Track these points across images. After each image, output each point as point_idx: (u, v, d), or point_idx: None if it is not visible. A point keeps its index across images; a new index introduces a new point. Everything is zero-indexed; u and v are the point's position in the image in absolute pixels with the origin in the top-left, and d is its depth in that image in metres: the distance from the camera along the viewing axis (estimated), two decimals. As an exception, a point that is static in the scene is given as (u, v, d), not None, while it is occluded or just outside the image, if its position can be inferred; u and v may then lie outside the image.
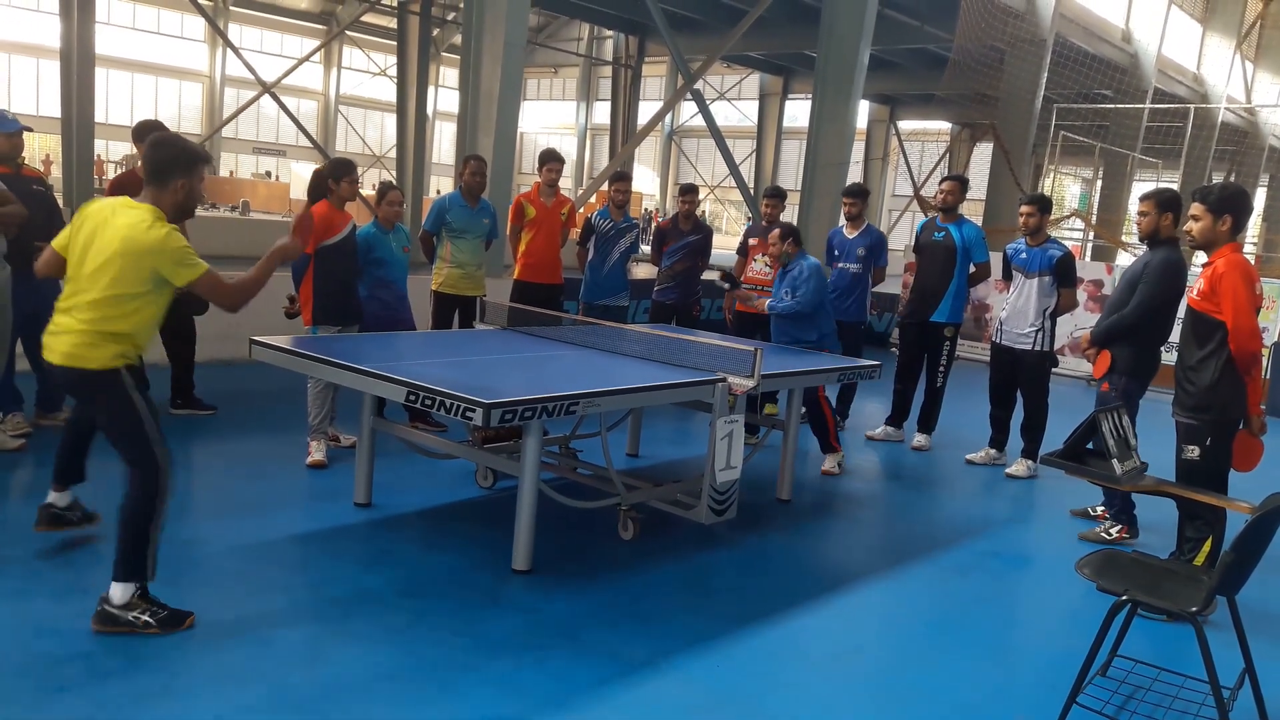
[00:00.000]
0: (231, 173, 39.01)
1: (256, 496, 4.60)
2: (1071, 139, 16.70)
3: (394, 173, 25.35)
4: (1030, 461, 6.28)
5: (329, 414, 5.22)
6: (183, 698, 2.79)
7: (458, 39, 29.09)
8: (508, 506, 4.17)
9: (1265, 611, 4.15)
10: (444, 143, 39.51)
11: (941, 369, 6.71)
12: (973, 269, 6.63)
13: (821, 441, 5.97)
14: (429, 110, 24.63)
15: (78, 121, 13.42)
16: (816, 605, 3.90)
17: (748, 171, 30.46)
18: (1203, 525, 4.13)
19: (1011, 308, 6.24)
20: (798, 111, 30.51)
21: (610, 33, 30.28)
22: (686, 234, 7.17)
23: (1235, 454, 4.16)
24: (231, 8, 35.79)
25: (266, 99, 17.92)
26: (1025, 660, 3.64)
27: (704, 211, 40.12)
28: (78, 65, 13.25)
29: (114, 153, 33.35)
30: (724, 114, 34.47)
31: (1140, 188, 17.76)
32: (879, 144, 34.86)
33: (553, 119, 46.72)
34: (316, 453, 5.15)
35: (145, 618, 3.10)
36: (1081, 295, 9.87)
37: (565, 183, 33.36)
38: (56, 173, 19.74)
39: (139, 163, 5.69)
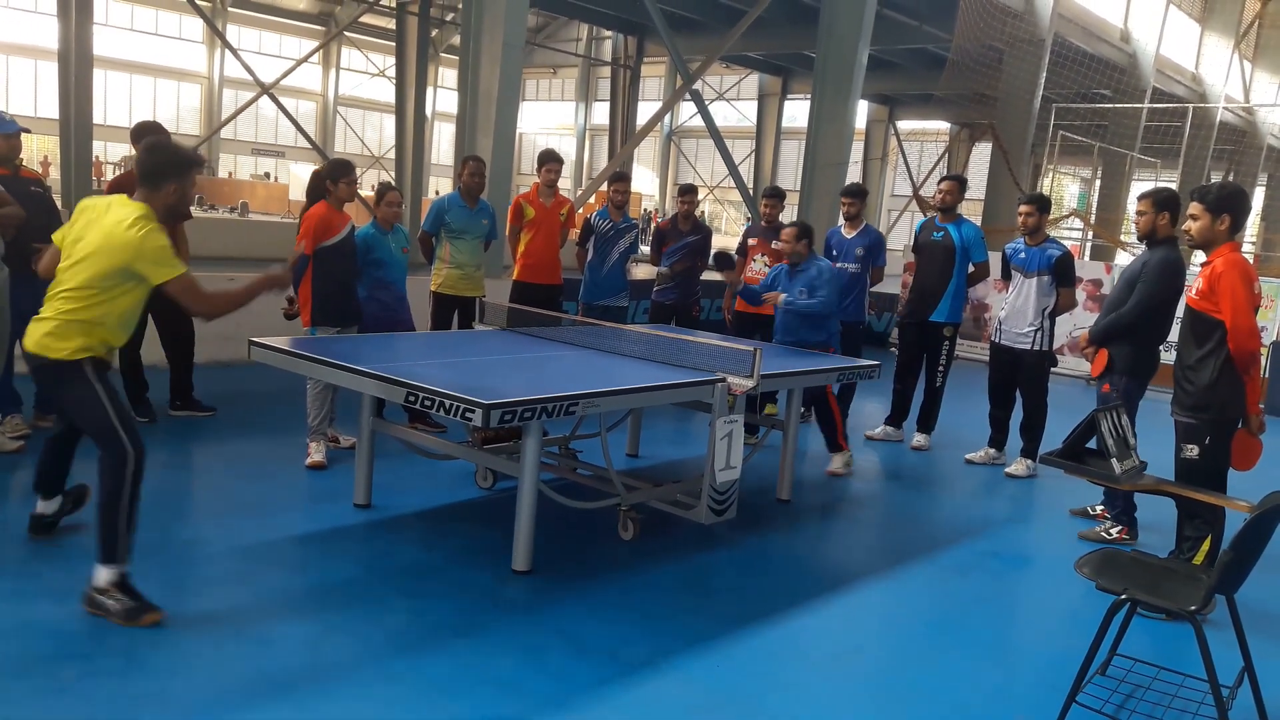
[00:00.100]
0: (230, 174, 39.02)
1: (256, 497, 4.60)
2: (1070, 138, 16.71)
3: (393, 173, 25.34)
4: (1029, 461, 6.28)
5: (328, 415, 5.22)
6: (182, 698, 2.79)
7: (456, 40, 29.09)
8: (507, 507, 4.17)
9: (1264, 610, 4.15)
10: (443, 143, 39.51)
11: (941, 369, 6.71)
12: (972, 269, 6.63)
13: (829, 440, 5.95)
14: (428, 111, 24.63)
15: (76, 123, 13.42)
16: (816, 605, 3.91)
17: (747, 172, 30.48)
18: (1202, 524, 4.13)
19: (1010, 307, 6.24)
20: (797, 111, 30.53)
21: (609, 33, 30.28)
22: (686, 234, 7.17)
23: (1234, 453, 4.16)
24: (230, 9, 35.81)
25: (265, 100, 17.93)
26: (1025, 659, 3.64)
27: (703, 212, 40.13)
28: (76, 66, 13.25)
29: (112, 154, 33.33)
30: (723, 114, 34.49)
31: (1139, 187, 17.76)
32: (878, 144, 34.89)
33: (552, 119, 46.72)
34: (316, 454, 5.15)
35: (111, 604, 3.17)
36: (1080, 295, 9.87)
37: (564, 183, 33.35)
38: (55, 174, 19.75)
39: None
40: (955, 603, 4.12)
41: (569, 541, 4.35)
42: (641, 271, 11.33)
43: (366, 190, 18.68)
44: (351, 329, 5.35)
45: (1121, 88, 19.96)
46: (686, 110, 38.82)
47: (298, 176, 33.31)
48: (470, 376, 4.03)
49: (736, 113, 38.08)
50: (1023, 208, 6.25)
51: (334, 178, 5.24)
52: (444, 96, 35.98)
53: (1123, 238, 17.91)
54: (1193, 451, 4.11)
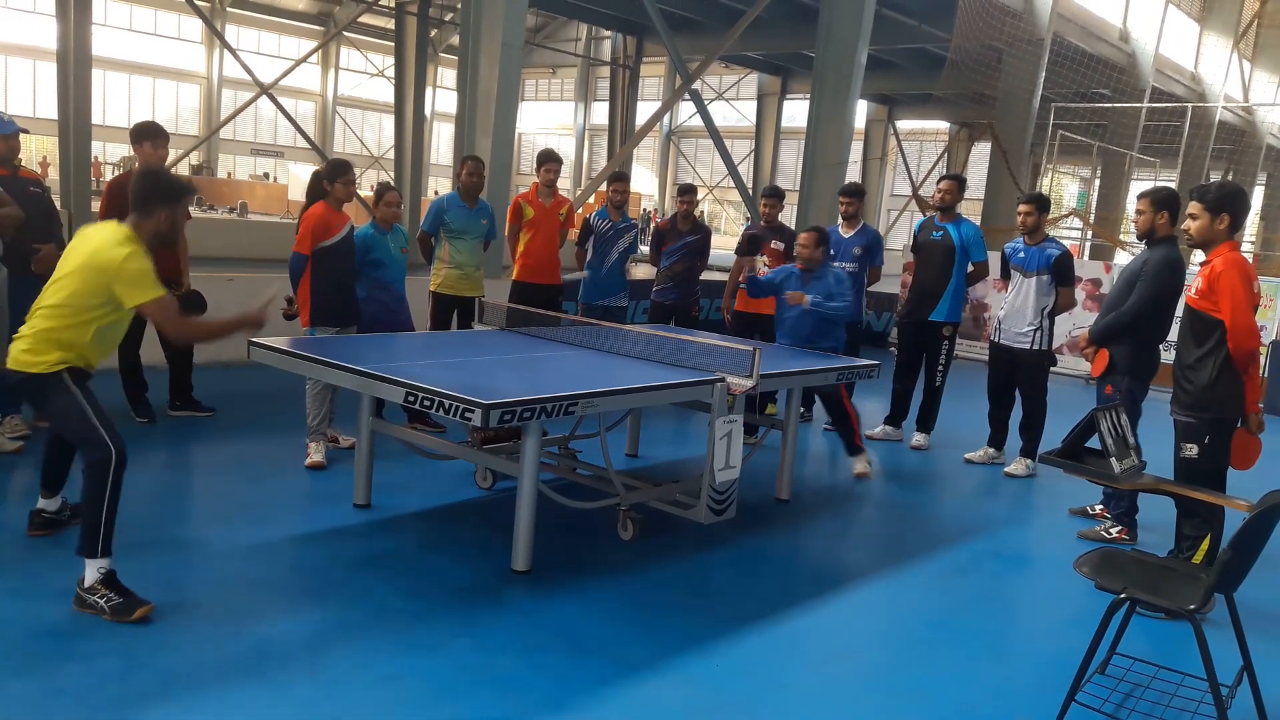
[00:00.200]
0: (229, 174, 39.00)
1: (255, 498, 4.60)
2: (1069, 138, 16.72)
3: (392, 174, 25.34)
4: (1029, 460, 6.29)
5: (328, 415, 5.22)
6: (182, 699, 2.79)
7: (455, 40, 29.12)
8: (507, 507, 4.17)
9: (1263, 609, 4.15)
10: (442, 144, 39.50)
11: (940, 368, 6.72)
12: (971, 268, 6.64)
13: (847, 444, 5.94)
14: (427, 111, 24.65)
15: (74, 123, 13.41)
16: (816, 605, 3.91)
17: (746, 171, 30.48)
18: (1201, 523, 4.14)
19: (1010, 307, 6.24)
20: (796, 111, 30.51)
21: (608, 33, 30.28)
22: (685, 234, 7.17)
23: (1233, 452, 4.17)
24: (228, 9, 35.77)
25: (264, 100, 17.91)
26: (1024, 658, 3.64)
27: (702, 212, 40.14)
28: (74, 67, 13.24)
29: (111, 154, 33.33)
30: (722, 114, 34.48)
31: (1138, 186, 17.76)
32: (877, 144, 34.88)
33: (551, 119, 46.71)
34: (315, 454, 5.15)
35: (101, 602, 3.22)
36: (1079, 294, 9.88)
37: (563, 183, 33.37)
38: (54, 174, 19.75)
39: (137, 163, 5.72)
40: (955, 602, 4.12)
41: (568, 541, 4.35)
42: (641, 271, 11.34)
43: (366, 190, 18.68)
44: (350, 329, 5.35)
45: (1120, 87, 19.96)
46: (686, 110, 38.82)
47: (297, 177, 33.33)
48: (470, 376, 4.03)
49: (736, 112, 38.08)
50: (1022, 207, 6.25)
51: (331, 178, 5.24)
52: (443, 96, 35.98)
53: (1122, 237, 17.92)
54: (1192, 450, 4.11)
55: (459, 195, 6.39)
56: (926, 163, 34.80)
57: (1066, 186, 29.60)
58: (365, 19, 31.63)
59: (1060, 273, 6.11)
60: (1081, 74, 18.16)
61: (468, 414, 3.40)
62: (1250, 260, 4.95)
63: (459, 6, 21.30)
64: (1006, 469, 6.34)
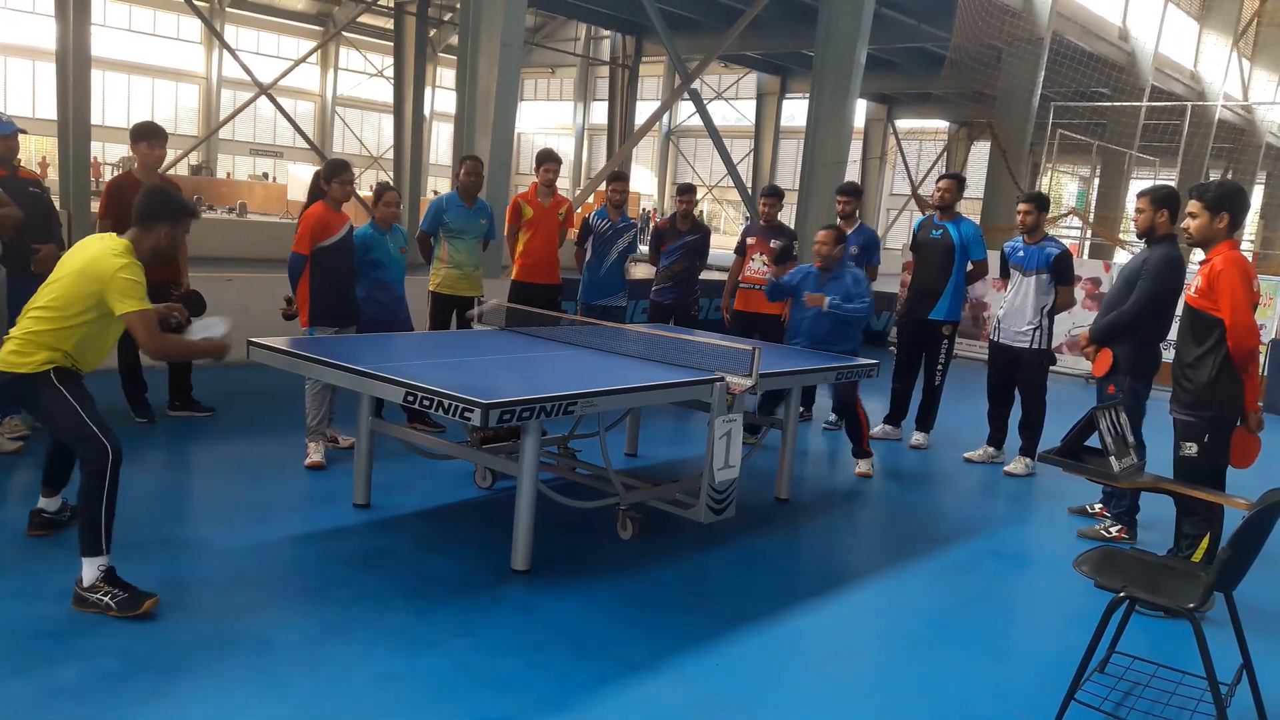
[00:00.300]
0: (229, 174, 38.99)
1: (255, 498, 4.60)
2: (1069, 137, 16.72)
3: (391, 174, 25.34)
4: (1028, 459, 6.29)
5: (327, 415, 5.22)
6: (182, 699, 2.79)
7: (454, 40, 29.10)
8: (506, 507, 4.17)
9: (1262, 608, 4.15)
10: (441, 143, 39.50)
11: (939, 367, 6.72)
12: (970, 267, 6.64)
13: (855, 446, 5.94)
14: (426, 111, 24.65)
15: (74, 124, 13.41)
16: (815, 604, 3.91)
17: (745, 171, 30.48)
18: (1200, 522, 4.14)
19: (1009, 306, 6.24)
20: (795, 111, 30.50)
21: (607, 33, 30.29)
22: (684, 234, 7.17)
23: (1233, 451, 4.17)
24: (227, 9, 35.75)
25: (263, 100, 17.92)
26: (1024, 657, 3.64)
27: (702, 211, 40.14)
28: (74, 67, 13.24)
29: (110, 155, 33.31)
30: (721, 114, 34.50)
31: (1137, 185, 17.75)
32: (876, 143, 34.86)
33: (550, 119, 46.71)
34: (315, 454, 5.15)
35: (106, 599, 3.23)
36: (1079, 293, 9.88)
37: (563, 183, 33.38)
38: (53, 175, 19.75)
39: (136, 165, 5.72)
40: (954, 601, 4.12)
41: (568, 541, 4.35)
42: (640, 271, 11.34)
43: (365, 190, 18.68)
44: (350, 329, 5.35)
45: (1120, 86, 19.95)
46: (685, 110, 38.82)
47: (296, 177, 33.29)
48: (469, 376, 4.03)
49: (735, 112, 38.07)
50: (1021, 206, 6.25)
51: (329, 178, 5.24)
52: (442, 96, 35.98)
53: (1121, 236, 17.92)
54: (1191, 449, 4.11)
55: (458, 195, 6.39)
56: (926, 162, 34.81)
57: (1066, 185, 29.60)
58: (364, 19, 31.62)
59: (1059, 272, 6.11)
60: (1081, 73, 18.16)
61: (467, 414, 3.40)
62: (1250, 259, 4.94)
63: (458, 6, 21.30)
64: (1006, 468, 6.34)
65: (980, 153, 23.16)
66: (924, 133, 38.28)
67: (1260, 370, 9.02)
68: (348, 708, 2.83)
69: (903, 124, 35.25)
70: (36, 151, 29.95)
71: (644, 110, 27.71)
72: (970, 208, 15.83)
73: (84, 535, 3.27)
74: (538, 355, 4.77)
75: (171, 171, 15.10)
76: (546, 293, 6.77)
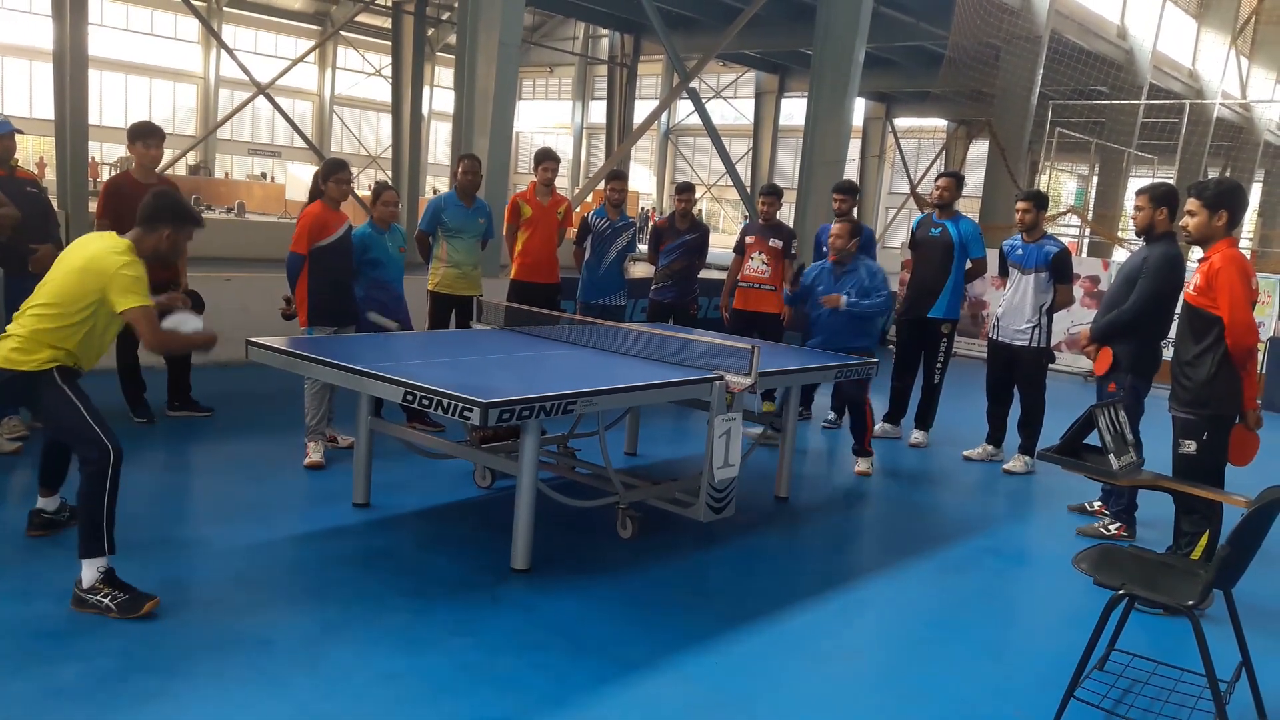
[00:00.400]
0: (227, 174, 38.95)
1: (254, 498, 4.59)
2: (1067, 135, 16.71)
3: (389, 173, 25.33)
4: (1027, 457, 6.29)
5: (326, 414, 5.22)
6: (181, 699, 2.79)
7: (453, 39, 29.09)
8: (506, 506, 4.17)
9: (1261, 605, 4.16)
10: (439, 143, 39.47)
11: (939, 365, 6.72)
12: (969, 265, 6.64)
13: (857, 444, 5.93)
14: (424, 110, 24.65)
15: (71, 123, 13.41)
16: (815, 603, 3.91)
17: (744, 170, 30.48)
18: (1199, 519, 4.14)
19: (1008, 304, 6.25)
20: (794, 109, 30.51)
21: (606, 32, 30.27)
22: (683, 233, 7.17)
23: (1231, 448, 4.17)
24: (225, 9, 35.73)
25: (261, 100, 17.91)
26: (1023, 655, 3.64)
27: (701, 210, 40.14)
28: (71, 67, 13.24)
29: (108, 155, 33.28)
30: (720, 112, 34.49)
31: (1136, 183, 17.74)
32: (875, 141, 34.87)
33: (548, 118, 46.69)
34: (314, 453, 5.14)
35: (106, 601, 3.23)
36: (1077, 291, 9.89)
37: (561, 182, 33.36)
38: (50, 175, 19.71)
39: (133, 164, 5.71)
40: (954, 599, 4.12)
41: (568, 540, 4.35)
42: (639, 270, 11.34)
43: (364, 190, 18.67)
44: (348, 328, 5.35)
45: (1118, 84, 19.95)
46: (684, 108, 38.81)
47: (294, 176, 33.25)
48: (468, 375, 4.03)
49: (734, 111, 38.06)
50: (1020, 204, 6.25)
51: (325, 177, 5.24)
52: (440, 96, 35.94)
53: (1120, 234, 17.93)
54: (1190, 447, 4.11)
55: (456, 194, 6.39)
56: (924, 160, 34.80)
57: (1064, 184, 29.61)
58: (362, 18, 31.59)
59: (1058, 270, 6.11)
60: (1079, 71, 18.16)
61: (466, 413, 3.40)
62: (1248, 256, 4.94)
63: (456, 5, 21.29)
64: (1005, 466, 6.35)
65: (979, 151, 23.15)
66: (922, 131, 38.26)
67: (1259, 368, 9.02)
68: (348, 707, 2.83)
69: (901, 122, 35.25)
70: (34, 151, 29.92)
71: (642, 109, 27.71)
72: (969, 206, 15.82)
73: (84, 537, 3.26)
74: (537, 354, 4.77)
75: (169, 171, 15.09)
76: (545, 292, 6.76)
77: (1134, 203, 4.88)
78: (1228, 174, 22.99)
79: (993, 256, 6.75)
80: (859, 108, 26.22)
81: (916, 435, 6.85)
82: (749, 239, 7.08)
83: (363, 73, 41.08)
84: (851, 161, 21.75)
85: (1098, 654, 3.26)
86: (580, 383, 3.96)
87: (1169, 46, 22.97)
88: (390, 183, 9.50)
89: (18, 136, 5.21)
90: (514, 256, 6.88)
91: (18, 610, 3.24)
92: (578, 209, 10.35)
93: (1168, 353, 4.72)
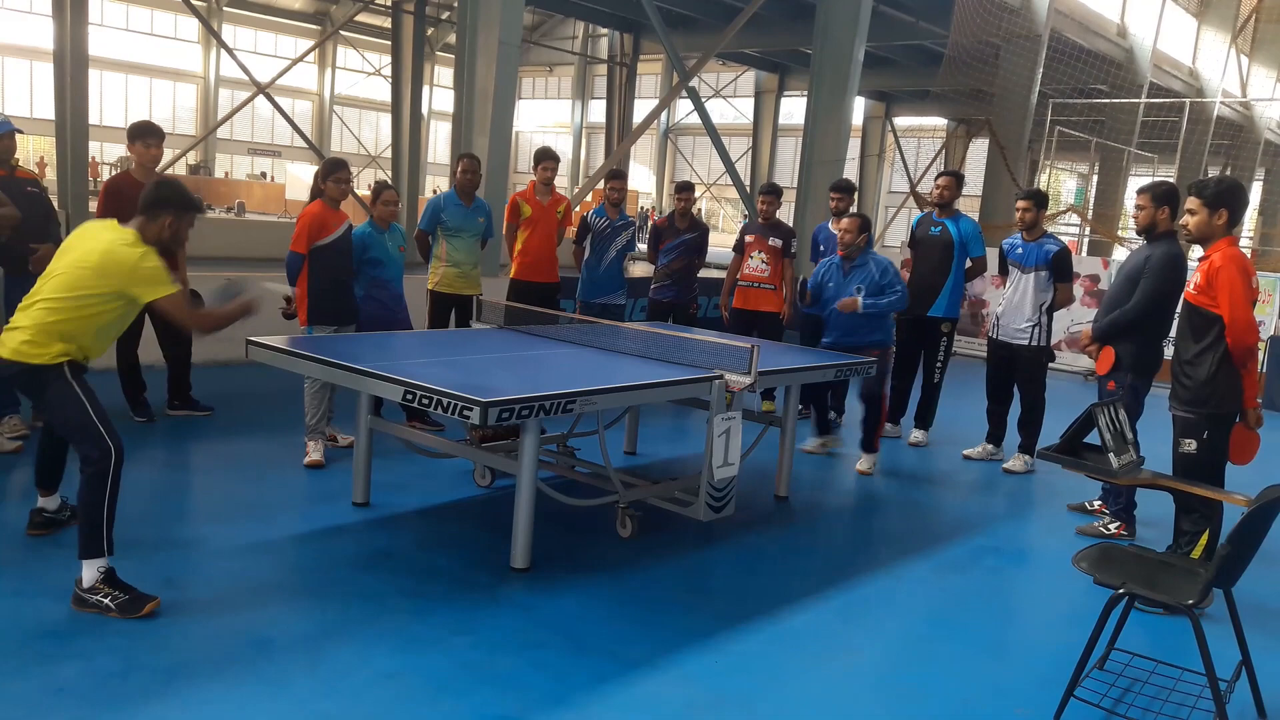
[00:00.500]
0: (227, 174, 38.95)
1: (254, 497, 4.59)
2: (1067, 134, 16.71)
3: (389, 172, 25.33)
4: (1027, 456, 6.29)
5: (326, 414, 5.22)
6: (181, 698, 2.79)
7: (452, 38, 29.09)
8: (506, 505, 4.17)
9: (1261, 604, 4.16)
10: (439, 142, 39.46)
11: (938, 365, 6.71)
12: (969, 263, 6.63)
13: (866, 439, 5.90)
14: (424, 110, 24.64)
15: (71, 123, 13.42)
16: (815, 602, 3.91)
17: (744, 169, 30.48)
18: (1199, 518, 4.14)
19: (1008, 303, 6.24)
20: (793, 109, 30.53)
21: (605, 31, 30.26)
22: (683, 232, 7.17)
23: (1232, 447, 4.17)
24: (225, 8, 35.73)
25: (261, 99, 17.90)
26: (1023, 654, 3.64)
27: (700, 209, 40.12)
28: (71, 67, 13.25)
29: (108, 154, 33.28)
30: (719, 112, 34.46)
31: (1136, 182, 17.72)
32: (875, 140, 34.87)
33: (548, 117, 46.67)
34: (314, 453, 5.15)
35: (107, 601, 3.22)
36: (1077, 290, 9.89)
37: (561, 181, 33.35)
38: (51, 174, 19.73)
39: (133, 164, 5.71)
40: (953, 598, 4.12)
41: (567, 539, 4.35)
42: (639, 269, 11.33)
43: (363, 189, 18.66)
44: (349, 328, 5.35)
45: (1118, 83, 19.95)
46: (683, 107, 38.80)
47: (294, 176, 33.27)
48: (468, 375, 4.03)
49: (733, 110, 38.04)
50: (1020, 203, 6.25)
51: (325, 176, 5.24)
52: (440, 95, 35.94)
53: (1120, 233, 17.92)
54: (1190, 446, 4.11)
55: (456, 193, 6.38)
56: (924, 159, 34.75)
57: (1064, 182, 29.60)
58: (362, 18, 31.58)
59: (1058, 269, 6.11)
60: (1079, 70, 18.16)
61: (466, 412, 3.40)
62: (1248, 255, 4.94)
63: (456, 5, 21.29)
64: (1005, 465, 6.34)
65: (978, 150, 23.14)
66: (922, 130, 38.24)
67: (1259, 367, 9.02)
68: (348, 706, 2.83)
69: (901, 121, 35.26)
70: (34, 151, 29.93)
71: (642, 108, 27.70)
72: (969, 205, 15.82)
73: (83, 537, 3.26)
74: (537, 354, 4.76)
75: (169, 171, 15.08)
76: (545, 291, 6.76)
77: (1135, 202, 4.87)
78: (1228, 173, 22.97)
79: (992, 255, 6.74)
80: (858, 107, 26.22)
81: (916, 434, 6.85)
82: (748, 238, 7.08)
83: (362, 72, 41.06)
84: (851, 160, 21.72)
85: (1098, 653, 3.27)
86: (580, 382, 3.96)
87: (1169, 45, 22.97)
88: (390, 182, 9.48)
89: (18, 136, 5.21)
90: (514, 256, 6.88)
91: (18, 609, 3.24)
92: (577, 208, 10.35)
93: (1169, 351, 4.72)
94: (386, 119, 27.46)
